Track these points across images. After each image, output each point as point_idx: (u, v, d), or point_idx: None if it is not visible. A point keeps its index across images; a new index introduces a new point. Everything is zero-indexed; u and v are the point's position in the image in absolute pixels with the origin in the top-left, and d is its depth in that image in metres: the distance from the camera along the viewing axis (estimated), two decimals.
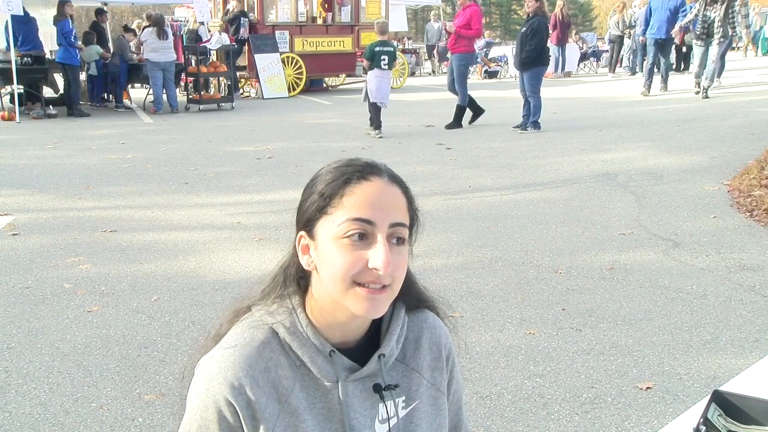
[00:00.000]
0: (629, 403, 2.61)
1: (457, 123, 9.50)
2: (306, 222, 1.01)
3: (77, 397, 2.70)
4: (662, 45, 12.34)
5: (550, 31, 18.54)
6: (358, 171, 0.99)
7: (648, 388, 2.71)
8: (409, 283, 1.10)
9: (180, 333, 3.28)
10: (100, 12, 13.77)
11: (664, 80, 12.75)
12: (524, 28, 8.76)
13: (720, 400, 1.33)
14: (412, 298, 1.11)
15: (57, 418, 2.57)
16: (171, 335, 3.25)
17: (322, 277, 0.99)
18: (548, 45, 18.65)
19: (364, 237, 0.95)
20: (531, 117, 8.92)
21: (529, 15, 8.84)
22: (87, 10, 23.73)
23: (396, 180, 1.01)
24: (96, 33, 12.67)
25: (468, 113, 9.65)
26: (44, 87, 11.83)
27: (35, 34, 11.20)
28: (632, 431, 2.44)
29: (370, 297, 0.94)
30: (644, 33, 12.75)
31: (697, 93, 11.43)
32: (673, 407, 2.56)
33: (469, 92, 9.60)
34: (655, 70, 12.70)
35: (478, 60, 19.40)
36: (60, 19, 11.21)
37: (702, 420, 1.27)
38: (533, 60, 8.70)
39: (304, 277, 1.05)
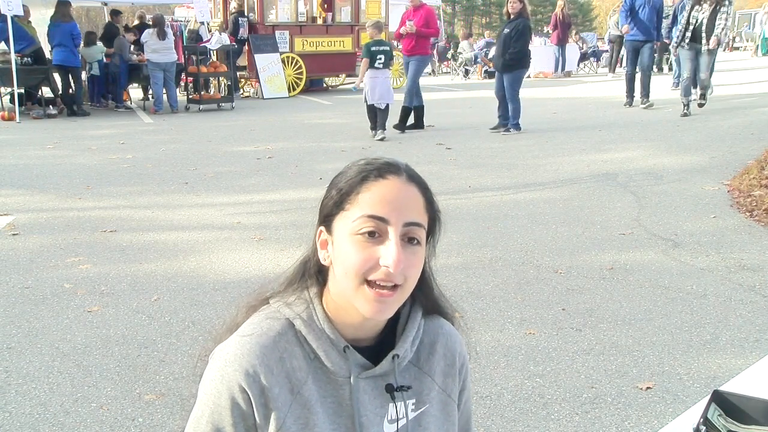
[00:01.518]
0: (629, 403, 2.61)
1: (419, 123, 9.36)
2: (325, 217, 1.03)
3: (77, 397, 2.70)
4: (641, 49, 10.42)
5: (551, 31, 18.67)
6: (376, 169, 1.00)
7: (648, 388, 2.71)
8: (429, 287, 1.11)
9: (180, 333, 3.28)
10: (115, 13, 13.77)
11: (645, 92, 10.63)
12: (507, 29, 8.54)
13: (720, 400, 1.33)
14: (430, 302, 1.12)
15: (57, 418, 2.57)
16: (171, 335, 3.25)
17: (336, 273, 1.00)
18: (548, 45, 18.75)
19: (377, 234, 0.96)
20: (511, 120, 8.80)
21: (510, 16, 8.62)
22: (87, 10, 23.78)
23: (415, 180, 1.02)
24: (110, 34, 12.67)
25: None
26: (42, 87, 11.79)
27: (25, 31, 11.16)
28: (632, 431, 2.44)
29: (378, 299, 0.95)
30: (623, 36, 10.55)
31: (685, 115, 9.43)
32: (673, 407, 2.56)
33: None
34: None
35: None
36: (67, 21, 11.20)
37: (702, 420, 1.27)
38: (517, 62, 8.57)
39: (322, 272, 1.06)
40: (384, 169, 1.00)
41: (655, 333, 3.19)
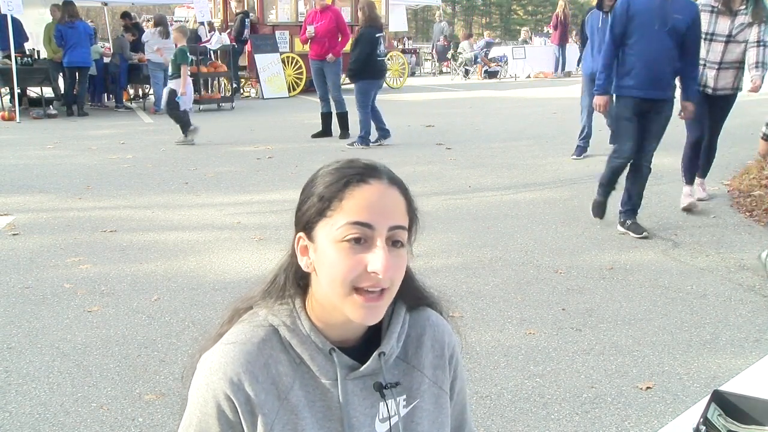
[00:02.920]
0: (629, 403, 2.61)
1: (345, 131, 8.90)
2: (305, 224, 1.01)
3: (77, 397, 2.70)
4: (648, 117, 4.67)
5: (551, 31, 18.66)
6: (358, 174, 0.98)
7: (648, 388, 2.71)
8: (409, 280, 1.09)
9: (180, 333, 3.28)
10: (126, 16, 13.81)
11: (632, 222, 4.68)
12: (354, 38, 8.17)
13: (720, 400, 1.33)
14: (411, 296, 1.11)
15: (57, 417, 2.57)
16: (171, 335, 3.25)
17: (321, 280, 0.99)
18: (548, 45, 18.70)
19: (363, 241, 0.95)
20: (360, 131, 8.26)
21: (360, 26, 8.19)
22: (87, 10, 23.77)
23: (395, 182, 1.01)
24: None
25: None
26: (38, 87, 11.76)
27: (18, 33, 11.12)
28: (632, 431, 2.44)
29: (367, 305, 0.94)
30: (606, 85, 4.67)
31: None
32: (673, 407, 2.56)
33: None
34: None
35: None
36: (76, 20, 11.17)
37: (702, 420, 1.27)
38: (358, 72, 7.99)
39: (303, 277, 1.05)
40: (366, 173, 0.98)
41: (655, 333, 3.19)
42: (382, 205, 0.96)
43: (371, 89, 8.14)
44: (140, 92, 13.77)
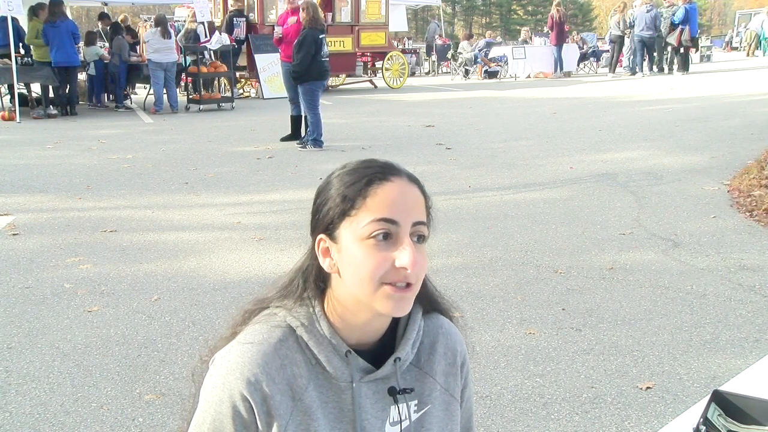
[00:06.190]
0: (629, 403, 2.61)
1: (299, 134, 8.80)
2: (327, 225, 1.01)
3: (77, 397, 2.70)
4: None
5: (550, 32, 18.67)
6: (379, 172, 0.99)
7: (648, 388, 2.71)
8: (424, 283, 1.10)
9: (180, 333, 3.28)
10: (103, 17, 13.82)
11: None
12: (297, 40, 8.01)
13: (720, 400, 1.33)
14: (425, 299, 1.12)
15: (57, 417, 2.57)
16: (171, 335, 3.25)
17: (345, 279, 0.99)
18: (547, 45, 18.70)
19: (388, 237, 0.96)
20: (310, 135, 8.18)
21: (304, 27, 8.00)
22: (87, 10, 23.78)
23: (414, 180, 1.03)
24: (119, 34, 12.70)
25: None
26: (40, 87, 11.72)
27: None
28: (632, 431, 2.44)
29: (397, 296, 0.96)
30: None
31: None
32: (673, 407, 2.56)
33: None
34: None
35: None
36: (65, 20, 11.13)
37: (702, 420, 1.27)
38: (302, 75, 7.89)
39: (323, 280, 1.06)
40: (386, 171, 1.00)
41: (655, 333, 3.19)
42: (404, 201, 0.98)
43: (317, 90, 8.10)
44: (129, 91, 13.70)
